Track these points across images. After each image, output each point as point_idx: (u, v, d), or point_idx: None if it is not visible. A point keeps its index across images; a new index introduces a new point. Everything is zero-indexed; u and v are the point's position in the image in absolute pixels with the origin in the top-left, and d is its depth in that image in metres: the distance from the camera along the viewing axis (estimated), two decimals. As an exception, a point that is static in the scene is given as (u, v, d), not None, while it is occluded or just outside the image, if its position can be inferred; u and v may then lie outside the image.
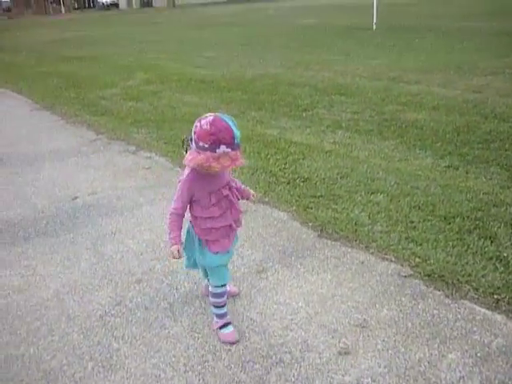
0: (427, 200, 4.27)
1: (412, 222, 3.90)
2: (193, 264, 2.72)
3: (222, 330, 2.73)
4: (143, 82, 10.30)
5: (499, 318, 2.79)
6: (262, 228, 3.92)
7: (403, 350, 2.59)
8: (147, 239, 3.86)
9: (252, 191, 2.73)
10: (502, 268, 3.23)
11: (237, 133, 2.27)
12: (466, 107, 7.34)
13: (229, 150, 2.23)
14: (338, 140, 5.98)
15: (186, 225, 2.62)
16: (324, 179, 4.76)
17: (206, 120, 2.24)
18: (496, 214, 3.96)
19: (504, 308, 2.86)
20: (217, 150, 2.21)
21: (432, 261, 3.34)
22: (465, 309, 2.87)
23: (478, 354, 2.53)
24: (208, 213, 2.48)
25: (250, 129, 6.62)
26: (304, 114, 7.22)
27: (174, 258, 2.48)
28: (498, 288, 3.02)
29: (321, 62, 11.57)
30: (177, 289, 3.21)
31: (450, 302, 2.94)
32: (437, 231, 3.74)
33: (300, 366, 2.51)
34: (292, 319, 2.86)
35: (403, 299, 2.99)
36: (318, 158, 5.36)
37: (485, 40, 13.86)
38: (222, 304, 2.74)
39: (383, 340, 2.66)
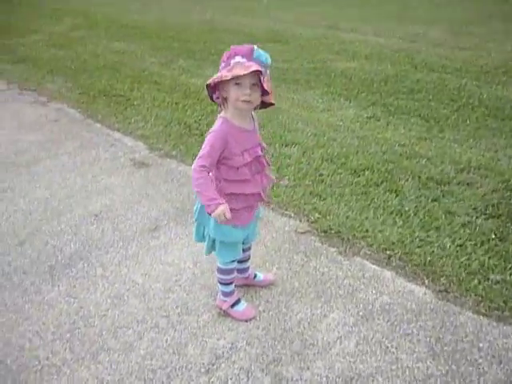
0: (341, 152, 4.15)
1: (321, 175, 3.78)
2: (201, 237, 2.38)
3: (235, 308, 2.44)
4: (70, 28, 9.68)
5: (388, 274, 2.70)
6: (163, 184, 3.71)
7: (285, 310, 2.47)
8: (40, 197, 3.59)
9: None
10: (401, 222, 3.15)
11: (262, 52, 2.02)
12: (399, 56, 7.23)
13: (244, 59, 1.98)
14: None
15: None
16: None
17: None
18: (407, 167, 3.88)
19: (394, 264, 2.78)
20: (231, 62, 1.99)
21: (332, 216, 3.22)
22: (356, 266, 2.78)
23: (360, 313, 2.44)
24: (237, 175, 2.14)
25: (174, 78, 6.32)
26: (233, 63, 6.92)
27: (222, 221, 2.08)
28: (393, 243, 2.93)
29: (260, 8, 11.16)
30: (61, 250, 3.00)
31: (342, 259, 2.85)
32: (344, 185, 3.62)
33: (175, 331, 2.37)
34: (176, 280, 2.71)
35: (295, 257, 2.87)
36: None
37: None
38: (230, 281, 2.44)
39: (266, 301, 2.54)
